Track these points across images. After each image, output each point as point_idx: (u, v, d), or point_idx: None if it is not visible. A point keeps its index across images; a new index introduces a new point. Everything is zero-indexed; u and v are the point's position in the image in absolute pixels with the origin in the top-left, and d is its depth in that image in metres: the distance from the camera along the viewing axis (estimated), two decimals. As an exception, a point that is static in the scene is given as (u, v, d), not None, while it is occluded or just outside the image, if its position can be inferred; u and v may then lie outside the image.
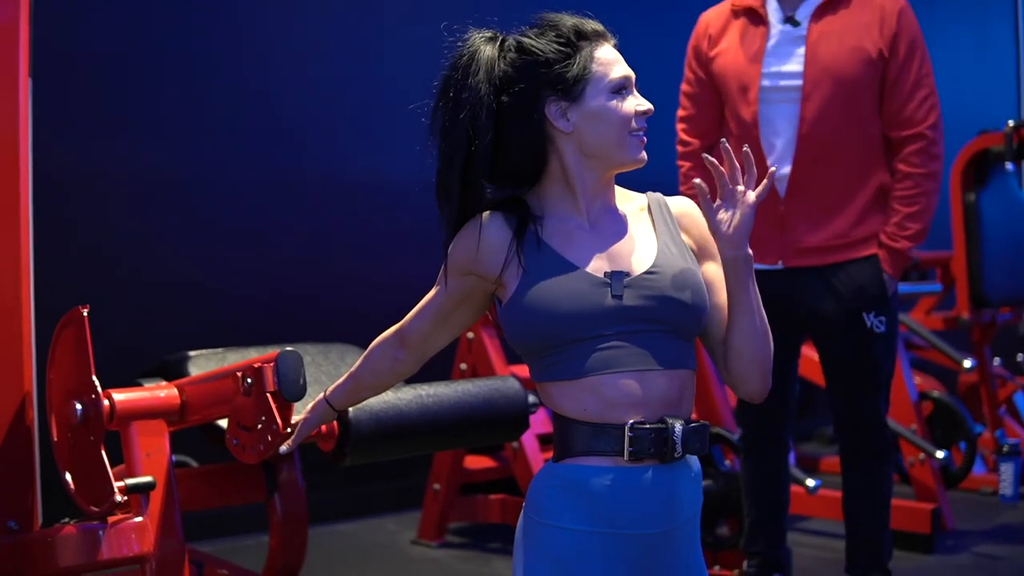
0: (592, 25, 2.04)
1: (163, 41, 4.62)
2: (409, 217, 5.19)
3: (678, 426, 1.94)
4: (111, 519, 2.78)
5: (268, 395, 2.56)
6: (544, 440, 4.39)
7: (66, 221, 4.26)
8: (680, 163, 3.64)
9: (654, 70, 4.72)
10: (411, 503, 4.93)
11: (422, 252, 4.68)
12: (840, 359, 3.50)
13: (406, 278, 4.74)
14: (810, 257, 3.44)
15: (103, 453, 2.79)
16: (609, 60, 2.01)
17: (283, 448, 2.37)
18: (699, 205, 2.00)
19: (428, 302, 2.12)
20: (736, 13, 3.52)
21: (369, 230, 5.18)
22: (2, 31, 2.99)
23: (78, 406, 2.82)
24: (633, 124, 2.00)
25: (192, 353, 3.37)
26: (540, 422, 4.31)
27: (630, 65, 2.03)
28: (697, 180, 1.97)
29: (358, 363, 2.23)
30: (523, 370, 4.20)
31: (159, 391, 2.93)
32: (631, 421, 1.92)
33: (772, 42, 3.44)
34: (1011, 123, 5.16)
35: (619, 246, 2.00)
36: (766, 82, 3.42)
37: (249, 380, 2.61)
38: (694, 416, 2.02)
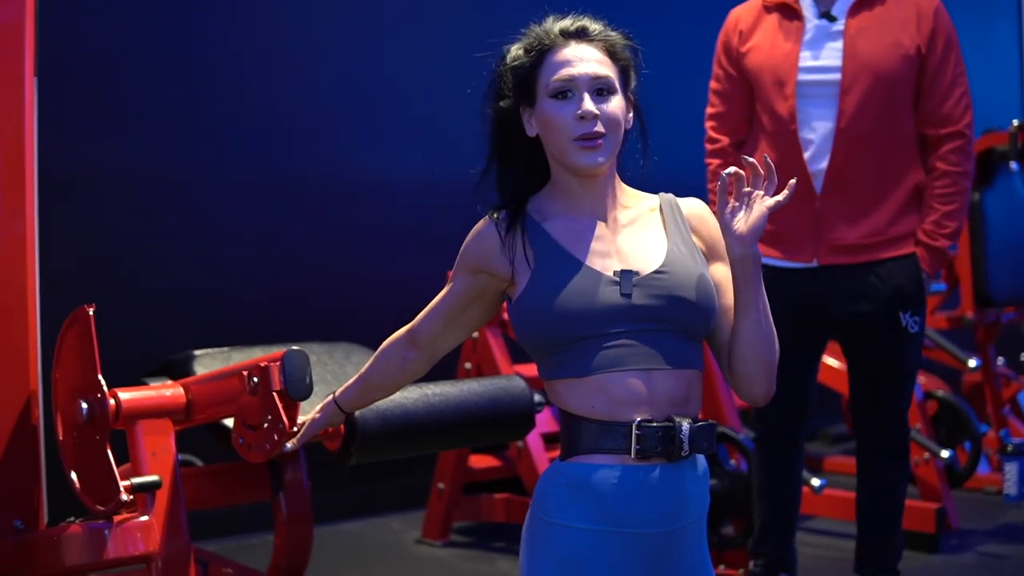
0: (562, 25, 2.03)
1: (163, 41, 4.62)
2: (412, 217, 5.20)
3: (685, 424, 1.94)
4: (117, 518, 2.78)
5: (274, 394, 2.56)
6: (549, 439, 4.39)
7: (71, 221, 4.26)
8: (708, 160, 3.60)
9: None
10: (415, 502, 4.93)
11: (425, 252, 4.69)
12: (871, 358, 3.46)
13: (409, 278, 4.76)
14: (845, 255, 3.40)
15: (109, 452, 2.79)
16: (557, 62, 2.00)
17: (288, 446, 2.37)
18: (716, 197, 1.98)
19: (439, 301, 2.12)
20: (768, 8, 3.48)
21: (373, 230, 5.18)
22: (8, 31, 3.00)
23: (84, 405, 2.82)
24: (570, 131, 1.96)
25: (197, 352, 3.37)
26: (545, 421, 4.31)
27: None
28: (723, 172, 1.94)
29: (367, 364, 2.23)
30: (528, 369, 4.20)
31: (165, 390, 2.93)
32: (638, 419, 1.92)
33: (808, 36, 3.40)
34: (1015, 122, 5.15)
35: (629, 245, 2.00)
36: (803, 76, 3.38)
37: (255, 379, 2.61)
38: (701, 416, 2.02)
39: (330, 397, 2.30)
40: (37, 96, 3.10)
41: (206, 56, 4.75)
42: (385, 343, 2.21)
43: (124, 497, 2.74)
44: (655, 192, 2.11)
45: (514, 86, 2.03)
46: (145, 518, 2.80)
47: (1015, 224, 5.38)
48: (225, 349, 3.42)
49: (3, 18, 3.00)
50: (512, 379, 3.12)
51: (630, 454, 1.93)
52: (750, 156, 3.44)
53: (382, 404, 2.67)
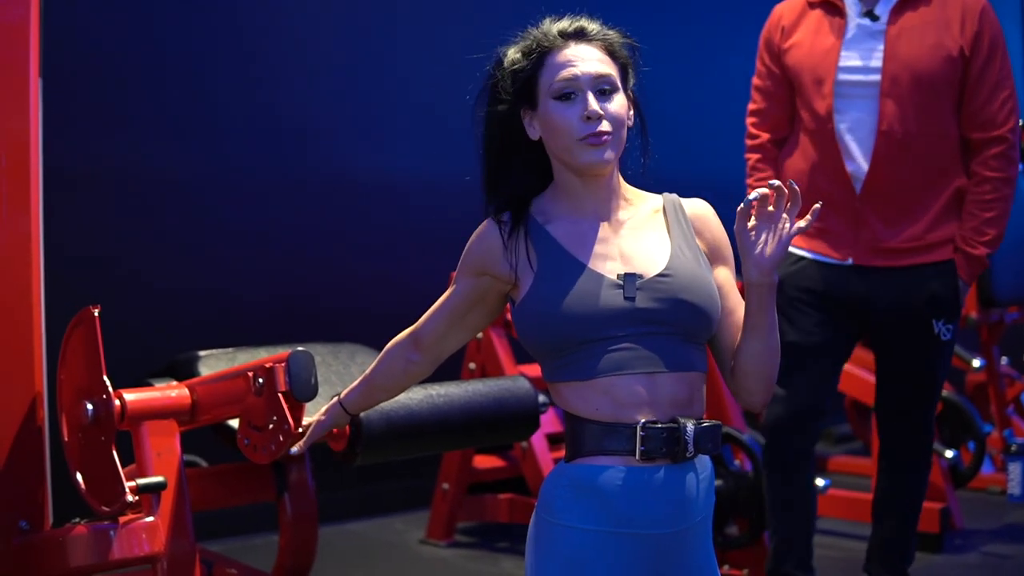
0: (560, 27, 2.02)
1: (166, 42, 4.62)
2: (417, 217, 5.19)
3: (690, 425, 1.94)
4: (122, 519, 2.78)
5: (279, 395, 2.57)
6: (553, 440, 4.38)
7: (77, 221, 4.26)
8: (748, 156, 3.56)
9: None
10: (420, 503, 4.93)
11: (430, 252, 4.69)
12: (901, 363, 3.43)
13: (414, 278, 4.75)
14: (884, 258, 3.35)
15: (114, 453, 2.79)
16: (560, 63, 1.99)
17: (294, 449, 2.38)
18: (738, 214, 1.94)
19: (443, 303, 2.12)
20: (811, 5, 3.45)
21: (378, 230, 5.18)
22: (13, 31, 3.00)
23: (89, 406, 2.82)
24: (576, 132, 1.96)
25: (202, 353, 3.38)
26: (549, 422, 4.31)
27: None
28: (748, 196, 1.91)
29: (372, 366, 2.24)
30: (532, 370, 4.20)
31: (170, 391, 2.93)
32: (643, 420, 1.92)
33: (850, 35, 3.36)
34: (1021, 122, 5.14)
35: (632, 248, 2.00)
36: (843, 76, 3.35)
37: (261, 380, 2.62)
38: (705, 416, 2.02)
39: (335, 399, 2.30)
40: (42, 97, 3.10)
41: (209, 56, 4.75)
42: (389, 345, 2.21)
43: (129, 498, 2.74)
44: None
45: (514, 90, 2.02)
46: (150, 519, 2.80)
47: (1019, 224, 5.37)
48: (230, 350, 3.43)
49: (8, 18, 3.00)
50: (516, 380, 3.12)
51: (635, 455, 1.93)
52: (791, 153, 3.45)
53: (386, 405, 2.67)
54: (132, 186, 4.51)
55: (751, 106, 3.59)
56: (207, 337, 3.83)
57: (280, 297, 4.87)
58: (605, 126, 1.96)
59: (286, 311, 4.85)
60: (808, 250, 3.42)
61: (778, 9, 3.55)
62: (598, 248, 1.99)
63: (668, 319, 1.94)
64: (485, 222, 2.05)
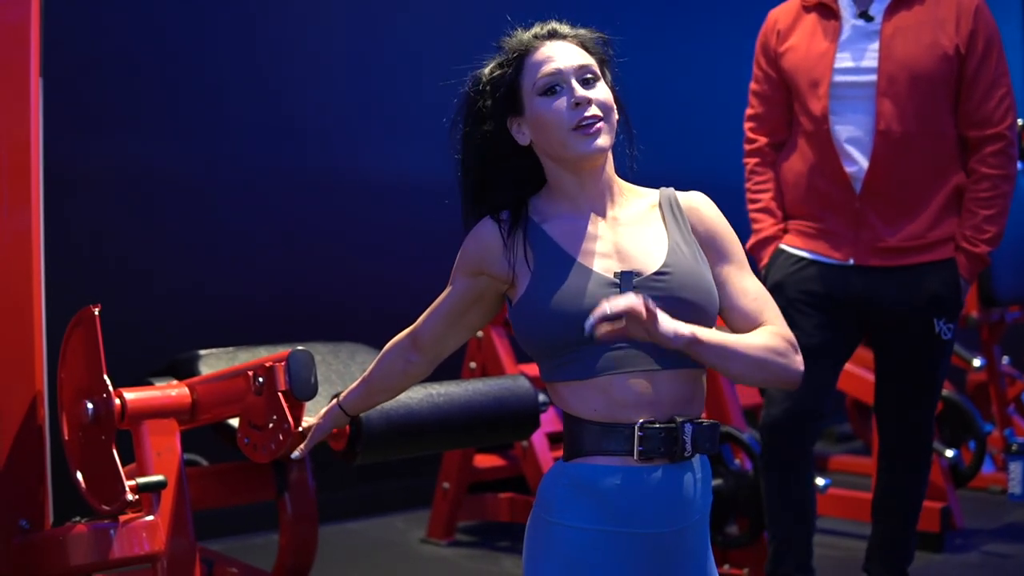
0: (533, 31, 2.04)
1: (168, 42, 4.62)
2: (418, 215, 5.18)
3: (688, 425, 1.94)
4: (122, 518, 2.79)
5: (279, 394, 2.57)
6: (554, 439, 4.38)
7: (77, 221, 4.26)
8: (746, 160, 3.57)
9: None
10: (420, 502, 4.93)
11: (431, 251, 4.69)
12: (901, 362, 3.42)
13: (415, 277, 4.75)
14: (884, 257, 3.35)
15: (114, 452, 2.79)
16: (537, 62, 2.01)
17: (295, 454, 2.36)
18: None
19: (440, 303, 2.12)
20: (807, 8, 3.45)
21: (378, 229, 5.18)
22: (13, 31, 3.00)
23: (89, 405, 2.83)
24: (567, 122, 1.97)
25: (203, 352, 3.38)
26: (550, 421, 4.31)
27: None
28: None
29: (370, 367, 2.24)
30: (533, 369, 4.20)
31: (170, 390, 2.94)
32: (641, 420, 1.92)
33: (845, 36, 3.37)
34: (1020, 122, 5.14)
35: (629, 245, 1.99)
36: (838, 77, 3.35)
37: (261, 379, 2.62)
38: (704, 415, 2.02)
39: (334, 401, 2.30)
40: (42, 96, 3.10)
41: (210, 56, 4.76)
42: (388, 346, 2.21)
43: (129, 497, 2.74)
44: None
45: (497, 100, 2.03)
46: (150, 518, 2.80)
47: (1019, 222, 5.37)
48: (230, 349, 3.43)
49: (8, 18, 3.00)
50: (517, 379, 3.12)
51: (633, 455, 1.92)
52: (789, 155, 3.45)
53: (387, 404, 2.68)
54: (132, 186, 4.51)
55: (749, 111, 3.60)
56: (207, 336, 3.83)
57: (280, 296, 4.87)
58: (594, 110, 1.97)
59: (286, 310, 4.85)
60: (809, 251, 3.42)
61: (773, 13, 3.56)
62: (595, 246, 1.99)
63: (666, 317, 1.94)
64: (481, 221, 2.04)
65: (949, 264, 3.35)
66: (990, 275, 5.10)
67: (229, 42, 4.80)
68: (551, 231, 2.01)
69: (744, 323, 2.01)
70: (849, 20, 3.38)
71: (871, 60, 3.33)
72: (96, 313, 2.83)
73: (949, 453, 4.63)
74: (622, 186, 2.08)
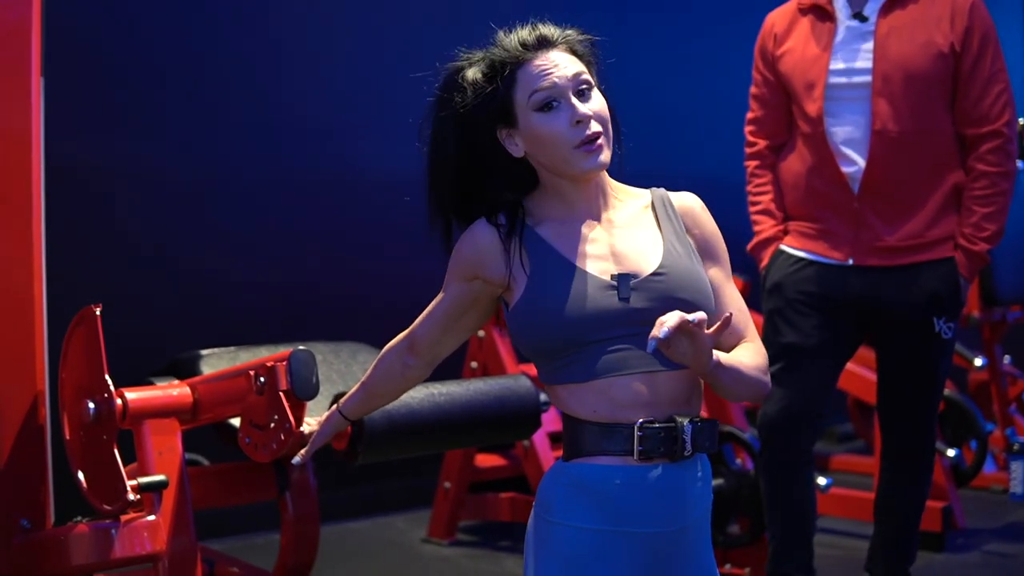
0: (521, 38, 1.99)
1: (170, 40, 4.62)
2: (419, 216, 5.17)
3: (687, 424, 1.94)
4: (124, 518, 2.79)
5: (281, 394, 2.57)
6: (555, 438, 4.38)
7: (78, 220, 4.26)
8: (746, 163, 3.57)
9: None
10: (422, 501, 4.93)
11: (432, 251, 4.69)
12: (902, 362, 3.41)
13: (416, 277, 4.74)
14: (883, 257, 3.34)
15: (116, 452, 2.79)
16: (534, 75, 1.96)
17: (296, 459, 2.35)
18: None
19: (435, 307, 2.11)
20: (803, 11, 3.45)
21: (379, 229, 5.18)
22: (15, 30, 3.00)
23: (91, 405, 2.83)
24: (569, 140, 1.94)
25: (204, 352, 3.38)
26: (551, 420, 4.31)
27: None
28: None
29: (368, 372, 2.23)
30: (534, 368, 4.19)
31: (171, 390, 2.94)
32: (640, 420, 1.92)
33: (839, 38, 3.36)
34: (1021, 121, 5.14)
35: (625, 247, 1.99)
36: (833, 79, 3.34)
37: (262, 379, 2.62)
38: (704, 414, 2.02)
39: (333, 408, 2.29)
40: (44, 95, 3.10)
41: (210, 55, 4.76)
42: (384, 350, 2.20)
43: (131, 497, 2.74)
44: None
45: (489, 113, 1.98)
46: (152, 517, 2.80)
47: (1020, 222, 5.37)
48: (232, 349, 3.43)
49: (9, 18, 3.00)
50: (518, 378, 3.12)
51: (633, 455, 1.92)
52: (787, 157, 3.45)
53: (389, 404, 2.68)
54: (133, 185, 4.51)
55: (749, 115, 3.60)
56: (208, 336, 3.83)
57: (281, 296, 4.87)
58: (595, 126, 1.95)
59: (287, 310, 4.85)
60: (808, 251, 3.41)
61: (770, 17, 3.56)
62: (590, 249, 1.98)
63: (663, 318, 1.93)
64: (476, 224, 2.02)
65: (948, 263, 3.35)
66: (991, 274, 5.10)
67: (229, 42, 4.80)
68: (546, 234, 2.00)
69: (729, 336, 2.01)
70: (844, 21, 3.38)
71: (865, 61, 3.33)
72: (97, 313, 2.83)
73: (951, 453, 4.63)
74: (614, 186, 2.06)
